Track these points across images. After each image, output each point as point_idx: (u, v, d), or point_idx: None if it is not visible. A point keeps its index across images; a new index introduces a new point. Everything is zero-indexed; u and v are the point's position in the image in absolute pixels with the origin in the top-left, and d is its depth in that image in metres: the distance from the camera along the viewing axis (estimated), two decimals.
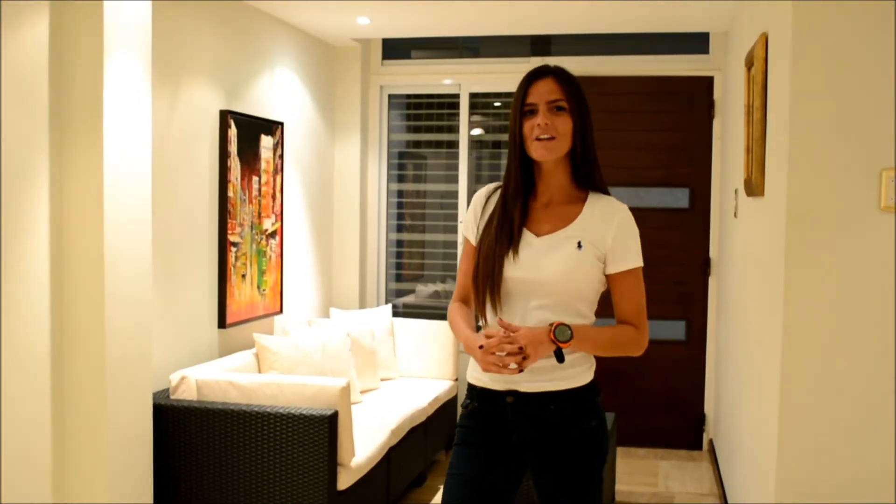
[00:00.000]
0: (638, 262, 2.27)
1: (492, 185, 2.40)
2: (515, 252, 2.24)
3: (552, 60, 5.56)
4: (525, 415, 2.25)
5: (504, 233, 2.26)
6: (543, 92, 2.23)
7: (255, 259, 4.66)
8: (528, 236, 2.26)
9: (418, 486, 4.84)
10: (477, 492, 2.27)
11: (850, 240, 2.66)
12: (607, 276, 2.27)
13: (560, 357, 2.16)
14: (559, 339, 2.14)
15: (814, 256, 2.68)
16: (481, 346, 2.16)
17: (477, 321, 2.38)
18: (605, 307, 2.35)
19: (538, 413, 2.24)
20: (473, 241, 2.37)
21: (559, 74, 2.26)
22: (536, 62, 5.72)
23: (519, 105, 2.25)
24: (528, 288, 2.22)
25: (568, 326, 2.15)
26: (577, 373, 2.26)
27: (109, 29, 3.15)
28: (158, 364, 3.84)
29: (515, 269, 2.23)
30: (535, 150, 2.24)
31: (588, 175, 2.29)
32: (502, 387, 2.25)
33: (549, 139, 2.21)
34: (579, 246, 2.22)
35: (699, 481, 5.07)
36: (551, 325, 2.15)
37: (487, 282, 2.25)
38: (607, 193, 2.32)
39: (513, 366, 2.13)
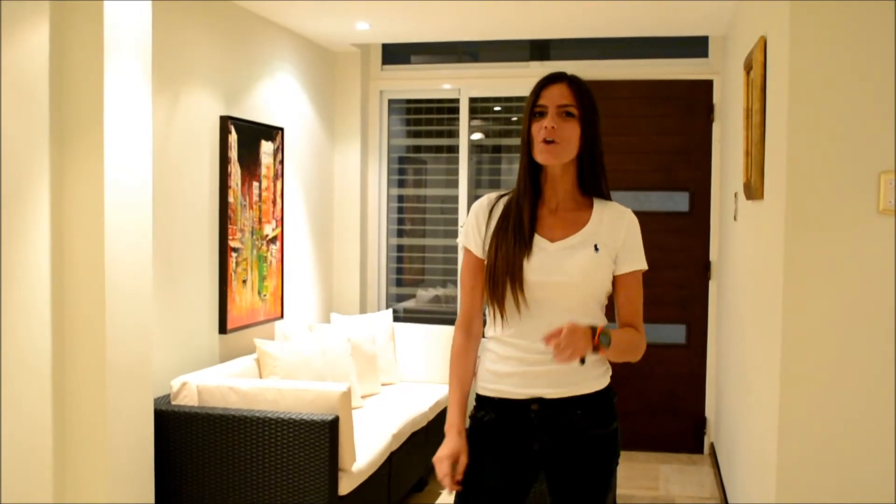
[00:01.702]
0: (644, 264, 2.31)
1: (493, 195, 2.38)
2: (532, 256, 2.23)
3: (551, 65, 5.57)
4: (550, 421, 2.24)
5: (519, 237, 2.25)
6: (555, 96, 2.24)
7: (255, 264, 4.66)
8: (540, 241, 2.25)
9: (419, 491, 4.84)
10: (494, 502, 2.27)
11: (849, 242, 2.66)
12: (614, 278, 2.29)
13: (583, 360, 2.15)
14: (604, 345, 2.12)
15: (813, 259, 2.68)
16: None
17: (483, 325, 2.37)
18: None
19: (565, 418, 2.23)
20: (476, 251, 2.33)
21: (573, 81, 2.28)
22: (536, 66, 5.73)
23: (530, 107, 2.26)
24: (549, 292, 2.22)
25: (608, 334, 2.14)
26: (598, 375, 2.27)
27: (110, 33, 3.16)
28: (159, 370, 3.84)
29: (535, 274, 2.22)
30: (540, 153, 2.24)
31: (594, 182, 2.30)
32: (526, 395, 2.24)
33: (554, 143, 2.22)
34: (596, 249, 2.23)
35: (700, 485, 5.07)
36: (594, 328, 2.13)
37: (506, 279, 2.22)
38: (610, 200, 2.34)
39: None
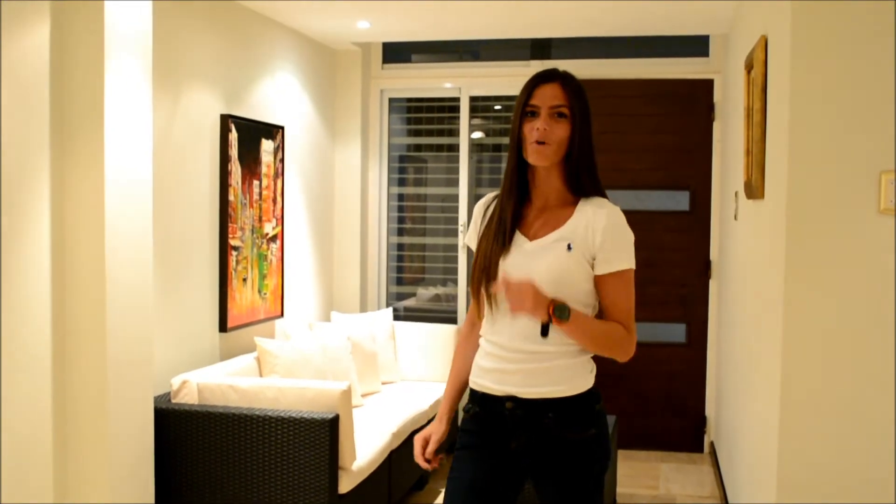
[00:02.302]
0: (627, 264, 2.22)
1: (491, 195, 2.40)
2: (508, 254, 2.24)
3: (552, 64, 5.57)
4: (524, 421, 2.24)
5: (499, 234, 2.26)
6: (547, 96, 2.22)
7: (256, 263, 4.66)
8: (520, 240, 2.25)
9: (419, 490, 4.84)
10: (478, 496, 2.27)
11: (850, 242, 2.66)
12: (595, 278, 2.22)
13: (545, 331, 2.15)
14: (557, 316, 2.13)
15: (813, 258, 2.68)
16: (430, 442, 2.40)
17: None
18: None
19: (536, 420, 2.23)
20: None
21: (565, 80, 2.25)
22: (537, 65, 5.73)
23: (521, 106, 2.25)
24: None
25: (567, 307, 2.14)
26: (572, 377, 2.23)
27: (110, 32, 3.16)
28: (160, 368, 3.85)
29: (508, 273, 2.23)
30: (531, 154, 2.23)
31: (582, 181, 2.26)
32: (501, 392, 2.24)
33: (545, 145, 2.21)
34: (569, 248, 2.20)
35: (700, 484, 5.07)
36: (552, 300, 2.14)
37: (483, 279, 2.25)
38: (603, 197, 2.30)
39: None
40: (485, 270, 2.25)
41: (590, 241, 2.20)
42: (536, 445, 2.24)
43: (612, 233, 2.20)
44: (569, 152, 2.23)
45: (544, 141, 2.20)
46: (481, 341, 2.34)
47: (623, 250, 2.22)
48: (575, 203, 2.27)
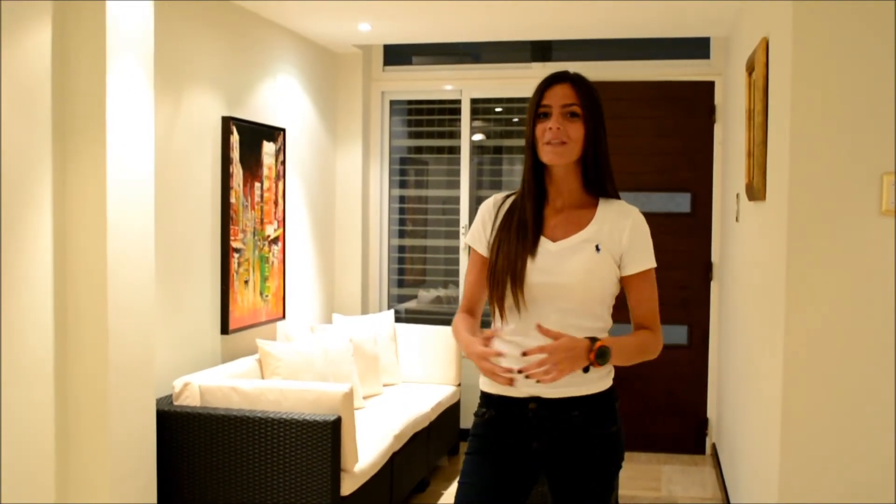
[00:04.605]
0: (652, 262, 2.28)
1: (500, 195, 2.39)
2: (534, 256, 2.23)
3: (553, 66, 5.57)
4: (548, 421, 2.24)
5: (522, 236, 2.25)
6: (558, 96, 2.23)
7: (257, 265, 4.67)
8: (544, 241, 2.25)
9: (421, 492, 4.84)
10: (493, 499, 2.26)
11: (851, 243, 2.66)
12: (622, 279, 2.26)
13: (586, 368, 2.17)
14: (599, 363, 2.14)
15: (815, 260, 2.69)
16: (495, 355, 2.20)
17: (488, 324, 2.37)
18: (620, 311, 2.33)
19: (562, 419, 2.23)
20: (482, 250, 2.34)
21: (576, 81, 2.26)
22: (538, 67, 5.74)
23: (534, 108, 2.26)
24: (549, 292, 2.22)
25: (608, 351, 2.15)
26: (598, 377, 2.25)
27: (112, 34, 3.16)
28: (161, 370, 3.85)
29: (535, 274, 2.22)
30: (545, 154, 2.24)
31: (600, 181, 2.28)
32: (524, 394, 2.23)
33: (559, 144, 2.21)
34: (598, 249, 2.22)
35: (702, 486, 5.07)
36: (593, 343, 2.14)
37: (507, 278, 2.23)
38: (618, 199, 2.32)
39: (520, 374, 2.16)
40: (509, 272, 2.23)
41: (616, 242, 2.24)
42: (559, 444, 2.25)
43: (638, 234, 2.26)
44: (585, 152, 2.24)
45: (559, 140, 2.20)
46: (494, 343, 2.29)
47: (648, 250, 2.28)
48: (594, 204, 2.29)
